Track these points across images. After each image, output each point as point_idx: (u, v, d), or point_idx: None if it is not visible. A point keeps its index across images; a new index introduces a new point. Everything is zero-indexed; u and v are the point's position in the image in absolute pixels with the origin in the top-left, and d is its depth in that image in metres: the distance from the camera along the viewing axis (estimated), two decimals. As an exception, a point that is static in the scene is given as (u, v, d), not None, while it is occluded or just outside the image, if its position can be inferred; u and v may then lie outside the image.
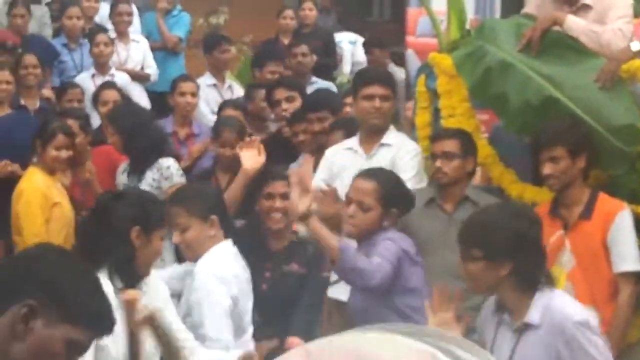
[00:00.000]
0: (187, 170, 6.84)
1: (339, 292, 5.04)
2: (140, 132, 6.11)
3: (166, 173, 6.02)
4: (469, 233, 3.79)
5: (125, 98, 7.66)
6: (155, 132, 6.31)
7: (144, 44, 9.52)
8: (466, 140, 5.19)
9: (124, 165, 6.28)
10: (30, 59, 7.91)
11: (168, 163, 6.09)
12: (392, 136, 5.46)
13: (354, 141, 5.52)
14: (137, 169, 6.09)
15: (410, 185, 5.17)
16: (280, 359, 2.04)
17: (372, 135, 5.46)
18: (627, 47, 5.08)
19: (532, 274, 3.71)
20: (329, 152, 5.58)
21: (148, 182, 6.01)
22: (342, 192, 5.17)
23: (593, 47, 5.17)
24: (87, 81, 8.39)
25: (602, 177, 5.04)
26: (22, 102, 7.80)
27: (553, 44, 5.21)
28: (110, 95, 7.51)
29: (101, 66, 8.71)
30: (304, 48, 8.60)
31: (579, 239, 4.80)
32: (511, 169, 5.40)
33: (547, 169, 4.80)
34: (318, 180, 5.41)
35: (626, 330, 4.78)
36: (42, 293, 2.30)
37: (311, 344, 2.07)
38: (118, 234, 3.91)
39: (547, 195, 5.00)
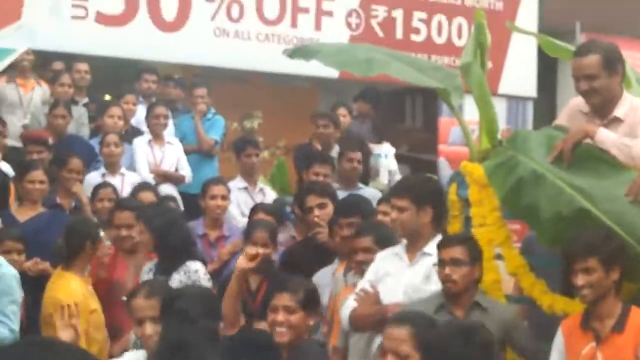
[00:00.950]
0: (216, 273, 6.90)
1: None
2: (171, 232, 6.17)
3: (194, 277, 6.04)
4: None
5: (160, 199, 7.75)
6: (185, 233, 6.36)
7: (178, 146, 9.65)
8: (473, 247, 5.21)
9: (149, 265, 6.32)
10: (76, 163, 8.06)
11: (196, 267, 6.12)
12: (434, 246, 5.41)
13: (401, 247, 5.56)
14: (165, 270, 6.12)
15: None
16: None
17: (414, 243, 5.49)
18: (658, 161, 5.10)
19: None
20: (379, 256, 5.60)
21: (175, 284, 6.02)
22: (384, 296, 5.29)
23: (624, 160, 5.17)
24: (97, 180, 8.47)
25: (633, 289, 5.02)
26: (58, 200, 7.91)
27: (584, 156, 5.22)
28: (147, 196, 7.61)
29: (111, 166, 8.83)
30: (359, 155, 8.69)
31: (611, 352, 4.74)
32: (542, 279, 5.39)
33: (580, 280, 4.77)
34: (364, 282, 5.49)
35: None
36: None
37: None
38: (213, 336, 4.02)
39: (578, 306, 4.97)
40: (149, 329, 4.43)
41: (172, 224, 6.24)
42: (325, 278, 6.29)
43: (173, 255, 6.12)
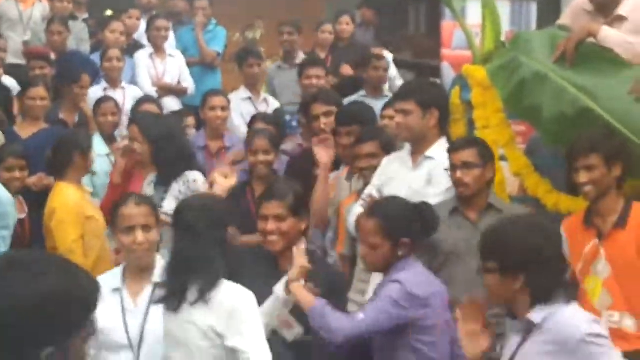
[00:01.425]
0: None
1: None
2: (169, 142, 6.15)
3: (193, 186, 6.04)
4: (486, 245, 3.92)
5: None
6: (183, 144, 6.33)
7: (180, 58, 9.60)
8: (483, 148, 5.16)
9: (151, 176, 6.31)
10: (87, 79, 8.09)
11: (195, 176, 6.10)
12: (437, 150, 5.39)
13: (406, 151, 5.53)
14: (164, 180, 6.13)
15: (440, 199, 5.16)
16: None
17: (418, 147, 5.44)
18: (662, 58, 5.05)
19: (547, 289, 3.80)
20: (386, 160, 5.59)
21: (174, 194, 6.03)
22: None
23: (628, 58, 5.13)
24: (99, 94, 8.40)
25: (637, 186, 5.01)
26: (61, 116, 7.90)
27: (588, 55, 5.18)
28: (149, 109, 7.58)
29: (113, 80, 8.77)
30: (384, 63, 8.75)
31: (614, 248, 4.77)
32: (547, 179, 5.38)
33: (582, 177, 4.77)
34: (371, 187, 5.48)
35: None
36: (56, 339, 2.31)
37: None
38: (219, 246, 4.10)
39: (582, 204, 4.96)
40: (140, 236, 4.41)
41: (169, 135, 6.21)
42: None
43: (170, 165, 6.12)
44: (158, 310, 4.30)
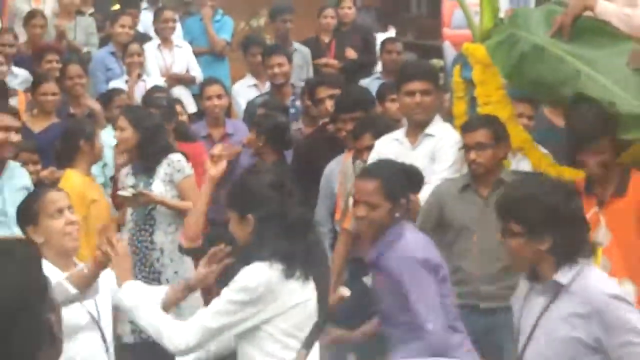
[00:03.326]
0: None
1: None
2: (155, 137, 6.20)
3: (178, 166, 6.12)
4: (508, 206, 3.74)
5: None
6: (165, 140, 6.37)
7: (187, 48, 9.73)
8: (497, 127, 5.24)
9: (126, 169, 6.37)
10: (74, 69, 8.23)
11: (178, 157, 6.18)
12: (436, 127, 5.54)
13: (401, 132, 5.63)
14: (144, 169, 6.20)
15: (446, 175, 5.28)
16: None
17: (416, 127, 5.56)
18: (659, 29, 5.11)
19: (573, 248, 3.68)
20: (379, 143, 5.66)
21: (160, 177, 6.12)
22: None
23: (625, 30, 5.18)
24: (122, 87, 8.56)
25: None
26: (72, 110, 8.02)
27: (585, 29, 5.22)
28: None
29: (135, 74, 8.90)
30: (397, 47, 9.07)
31: (614, 215, 4.85)
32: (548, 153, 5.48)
33: (592, 160, 4.81)
34: None
35: None
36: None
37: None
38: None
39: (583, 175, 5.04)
40: (71, 215, 4.33)
41: (156, 130, 6.24)
42: (338, 167, 6.35)
43: (152, 159, 6.17)
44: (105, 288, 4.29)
